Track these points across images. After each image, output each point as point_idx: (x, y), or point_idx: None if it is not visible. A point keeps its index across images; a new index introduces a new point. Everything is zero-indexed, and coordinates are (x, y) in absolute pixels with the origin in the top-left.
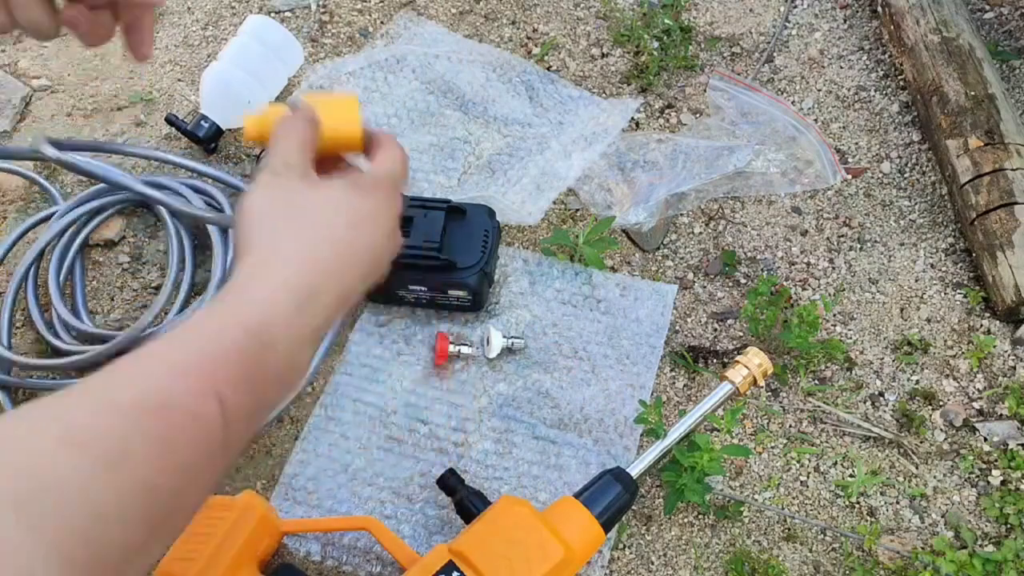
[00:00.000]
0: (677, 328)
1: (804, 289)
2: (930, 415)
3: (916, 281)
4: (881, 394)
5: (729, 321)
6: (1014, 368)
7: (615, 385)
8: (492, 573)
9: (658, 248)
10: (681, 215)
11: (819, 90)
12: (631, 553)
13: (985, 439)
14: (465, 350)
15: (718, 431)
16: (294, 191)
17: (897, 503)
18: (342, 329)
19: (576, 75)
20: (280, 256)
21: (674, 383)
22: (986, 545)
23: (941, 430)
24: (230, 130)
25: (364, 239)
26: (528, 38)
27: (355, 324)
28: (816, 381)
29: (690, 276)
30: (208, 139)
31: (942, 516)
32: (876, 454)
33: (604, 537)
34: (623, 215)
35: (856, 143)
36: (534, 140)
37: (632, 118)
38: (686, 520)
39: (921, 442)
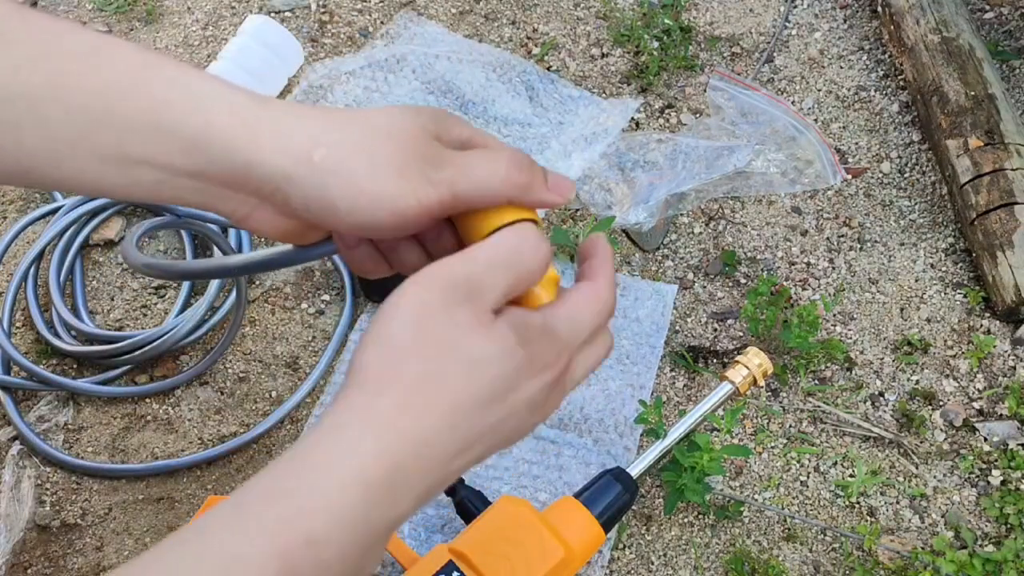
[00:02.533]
0: (677, 328)
1: (804, 289)
2: (930, 415)
3: (916, 281)
4: (881, 394)
5: (729, 321)
6: (1014, 368)
7: (615, 385)
8: (492, 573)
9: (658, 248)
10: (681, 215)
11: (819, 90)
12: (631, 553)
13: (985, 439)
14: None
15: (718, 431)
16: (457, 336)
17: (897, 503)
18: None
19: (576, 75)
20: (383, 421)
21: (674, 383)
22: (986, 545)
23: (941, 430)
24: None
25: (499, 417)
26: (528, 38)
27: (355, 324)
28: (816, 381)
29: (690, 276)
30: None
31: (942, 516)
32: (876, 454)
33: (604, 537)
34: (623, 215)
35: (856, 143)
36: (534, 140)
37: (632, 118)
38: (686, 520)
39: (921, 442)
